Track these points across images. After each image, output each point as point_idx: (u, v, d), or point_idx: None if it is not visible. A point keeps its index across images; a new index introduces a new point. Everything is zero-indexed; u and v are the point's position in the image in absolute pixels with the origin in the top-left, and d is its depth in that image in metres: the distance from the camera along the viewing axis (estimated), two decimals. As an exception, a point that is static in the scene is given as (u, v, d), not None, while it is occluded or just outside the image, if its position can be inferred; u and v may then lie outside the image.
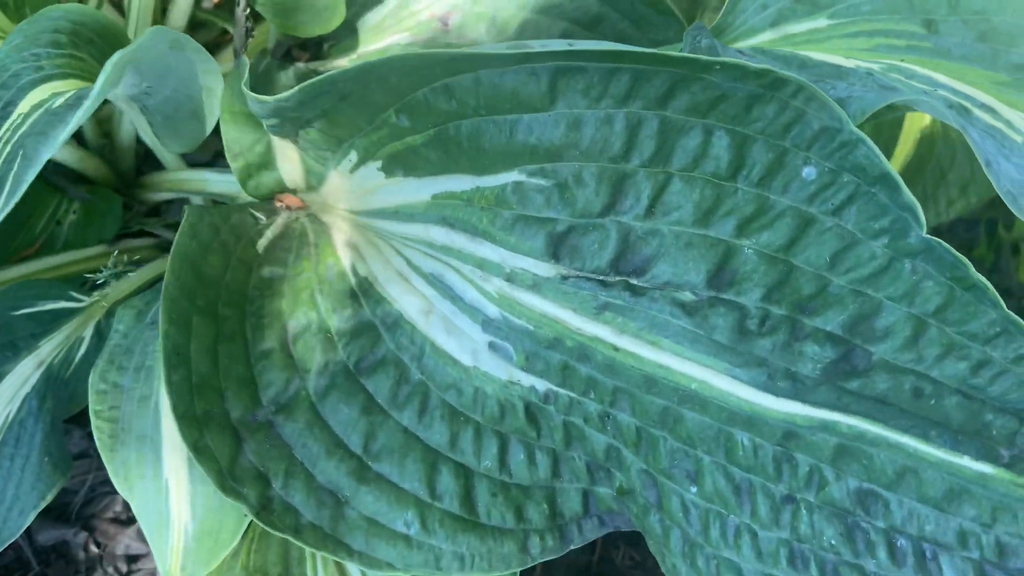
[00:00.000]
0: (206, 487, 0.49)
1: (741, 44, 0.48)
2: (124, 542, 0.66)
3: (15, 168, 0.34)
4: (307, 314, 0.41)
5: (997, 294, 0.33)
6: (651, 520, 0.39)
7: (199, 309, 0.39)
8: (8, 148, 0.34)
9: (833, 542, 0.35)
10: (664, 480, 0.38)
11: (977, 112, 0.44)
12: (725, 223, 0.36)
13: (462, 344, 0.41)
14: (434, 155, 0.38)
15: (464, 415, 0.41)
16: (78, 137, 0.62)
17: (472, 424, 0.40)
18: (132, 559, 0.67)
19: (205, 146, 0.47)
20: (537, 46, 0.33)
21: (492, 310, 0.40)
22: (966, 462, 0.33)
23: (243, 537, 0.50)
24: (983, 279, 0.34)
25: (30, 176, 0.33)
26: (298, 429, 0.40)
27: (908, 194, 0.34)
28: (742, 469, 0.37)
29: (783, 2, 0.48)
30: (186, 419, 0.37)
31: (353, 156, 0.40)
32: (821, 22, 0.48)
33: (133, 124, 0.58)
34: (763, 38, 0.48)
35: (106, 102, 0.58)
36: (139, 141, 0.61)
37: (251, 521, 0.49)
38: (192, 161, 0.60)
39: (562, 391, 0.40)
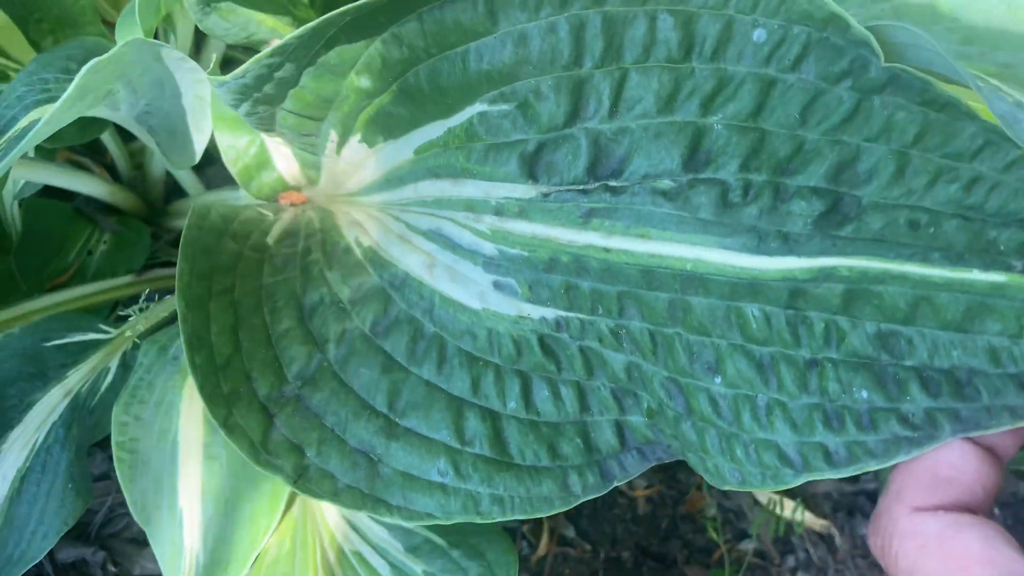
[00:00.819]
0: (217, 518, 0.50)
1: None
2: (140, 563, 0.68)
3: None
4: (319, 290, 0.43)
5: (970, 107, 0.32)
6: (684, 430, 0.38)
7: (215, 295, 0.41)
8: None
9: (864, 393, 0.33)
10: (688, 381, 0.37)
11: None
12: (689, 105, 0.36)
13: (468, 289, 0.41)
14: (404, 110, 0.40)
15: (482, 359, 0.41)
16: (111, 171, 0.66)
17: (491, 367, 0.41)
18: (147, 580, 0.68)
19: (226, 174, 0.49)
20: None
21: (488, 248, 0.41)
22: (976, 275, 0.31)
23: (251, 567, 0.51)
24: (953, 94, 0.33)
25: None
26: (325, 398, 0.41)
27: (860, 29, 0.33)
28: (760, 344, 0.35)
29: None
30: (213, 399, 0.39)
31: (334, 136, 0.42)
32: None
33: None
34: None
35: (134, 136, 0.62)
36: (169, 172, 0.65)
37: (259, 553, 0.50)
38: (214, 185, 0.63)
39: (571, 315, 0.39)
